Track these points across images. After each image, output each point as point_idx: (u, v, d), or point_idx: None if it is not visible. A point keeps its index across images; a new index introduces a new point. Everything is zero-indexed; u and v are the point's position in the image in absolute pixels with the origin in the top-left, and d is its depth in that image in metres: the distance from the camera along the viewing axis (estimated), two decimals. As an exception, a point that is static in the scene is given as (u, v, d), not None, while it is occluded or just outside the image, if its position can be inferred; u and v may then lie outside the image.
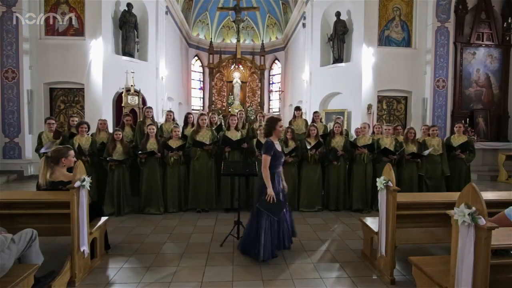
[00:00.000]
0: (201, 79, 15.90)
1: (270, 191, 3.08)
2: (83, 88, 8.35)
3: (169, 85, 11.24)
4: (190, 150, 4.95)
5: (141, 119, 6.07)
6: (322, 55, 10.25)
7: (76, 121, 5.36)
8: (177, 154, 4.92)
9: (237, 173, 3.89)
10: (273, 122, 3.27)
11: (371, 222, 3.29)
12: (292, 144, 5.10)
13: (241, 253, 3.35)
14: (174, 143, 4.95)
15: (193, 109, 14.58)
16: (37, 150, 4.93)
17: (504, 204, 2.54)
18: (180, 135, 5.13)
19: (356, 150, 5.13)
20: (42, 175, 3.02)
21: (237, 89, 14.44)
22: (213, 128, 5.38)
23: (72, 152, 3.18)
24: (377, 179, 2.94)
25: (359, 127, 5.51)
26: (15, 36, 7.86)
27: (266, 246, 3.10)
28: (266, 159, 3.13)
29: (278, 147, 3.27)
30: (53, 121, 5.03)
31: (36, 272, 2.30)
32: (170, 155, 4.89)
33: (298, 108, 6.18)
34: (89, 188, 2.83)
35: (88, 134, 5.01)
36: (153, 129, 4.95)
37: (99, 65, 8.30)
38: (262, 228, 3.11)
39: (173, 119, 5.96)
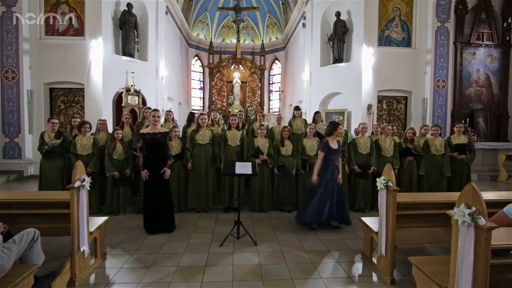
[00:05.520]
0: (201, 79, 15.89)
1: (314, 178, 4.10)
2: (83, 88, 8.35)
3: (169, 85, 11.24)
4: (186, 152, 4.97)
5: (140, 120, 6.06)
6: (322, 55, 10.25)
7: (78, 121, 5.36)
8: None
9: (237, 173, 3.87)
10: (335, 125, 4.17)
11: (371, 222, 3.28)
12: (288, 144, 5.11)
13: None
14: (173, 143, 4.96)
15: (193, 109, 14.58)
16: (39, 149, 4.93)
17: (504, 204, 2.54)
18: (180, 135, 5.13)
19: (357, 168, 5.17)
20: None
21: (237, 89, 14.42)
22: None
23: (150, 111, 4.20)
24: (377, 179, 2.94)
25: (359, 127, 5.51)
26: (15, 36, 7.86)
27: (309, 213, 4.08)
28: (319, 155, 4.15)
29: (334, 145, 4.13)
30: (57, 121, 5.05)
31: (36, 272, 2.30)
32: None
33: (297, 108, 6.17)
34: (89, 188, 2.84)
35: (90, 134, 5.01)
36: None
37: (99, 65, 8.30)
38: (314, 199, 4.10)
39: (173, 119, 5.95)
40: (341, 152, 4.24)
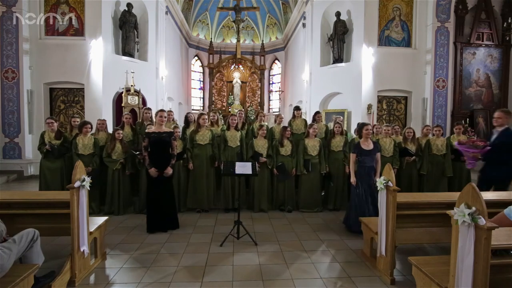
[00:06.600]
0: (201, 79, 15.89)
1: (352, 180, 4.08)
2: (83, 88, 8.34)
3: (169, 85, 11.24)
4: (186, 152, 4.97)
5: (140, 120, 6.06)
6: (322, 55, 10.25)
7: (78, 122, 5.35)
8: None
9: (237, 173, 3.87)
10: (360, 127, 4.17)
11: (371, 222, 3.28)
12: (288, 144, 5.11)
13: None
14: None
15: (193, 109, 14.58)
16: (39, 148, 4.93)
17: (504, 204, 2.54)
18: (180, 136, 5.13)
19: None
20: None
21: (237, 89, 14.42)
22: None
23: (156, 111, 4.21)
24: (377, 179, 2.94)
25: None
26: (15, 36, 7.85)
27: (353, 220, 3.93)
28: (351, 157, 4.17)
29: (366, 146, 4.03)
30: (52, 121, 5.02)
31: (36, 272, 2.30)
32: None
33: (297, 108, 6.16)
34: (89, 188, 2.83)
35: (90, 135, 5.02)
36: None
37: (99, 65, 8.29)
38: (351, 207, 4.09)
39: (173, 119, 5.95)
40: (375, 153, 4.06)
